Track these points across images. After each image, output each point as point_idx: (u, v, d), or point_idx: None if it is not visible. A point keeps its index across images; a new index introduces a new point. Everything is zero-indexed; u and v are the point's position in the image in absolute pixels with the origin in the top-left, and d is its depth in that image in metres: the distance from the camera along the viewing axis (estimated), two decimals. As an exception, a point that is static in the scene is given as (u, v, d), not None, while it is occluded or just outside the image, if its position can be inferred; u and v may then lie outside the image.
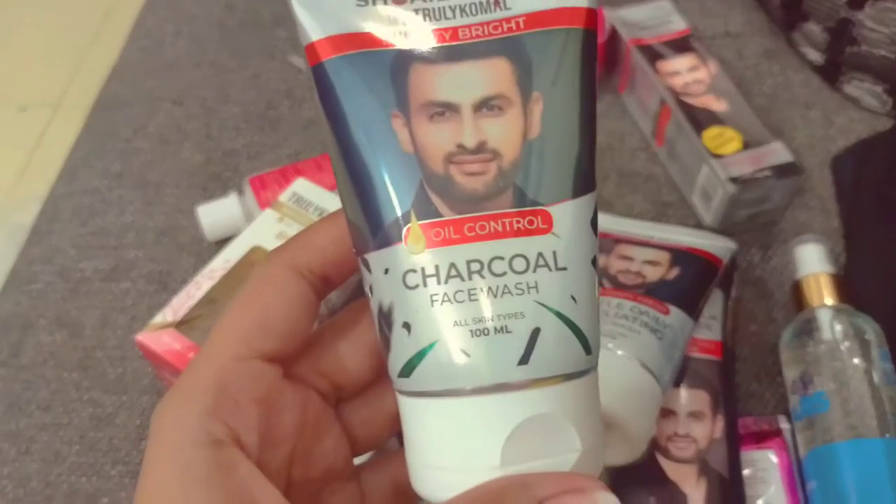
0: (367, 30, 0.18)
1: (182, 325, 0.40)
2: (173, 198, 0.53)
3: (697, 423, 0.36)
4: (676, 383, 0.38)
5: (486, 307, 0.17)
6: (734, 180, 0.45)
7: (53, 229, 0.52)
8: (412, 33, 0.18)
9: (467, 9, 0.19)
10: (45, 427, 0.43)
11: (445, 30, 0.18)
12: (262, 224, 0.43)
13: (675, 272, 0.39)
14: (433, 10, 0.19)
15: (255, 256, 0.42)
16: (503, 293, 0.17)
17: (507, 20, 0.19)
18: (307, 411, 0.20)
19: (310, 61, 0.19)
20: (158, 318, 0.40)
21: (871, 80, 0.54)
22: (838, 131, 0.54)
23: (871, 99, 0.54)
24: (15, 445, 0.43)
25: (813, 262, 0.42)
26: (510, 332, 0.17)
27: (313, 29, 0.19)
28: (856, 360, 0.38)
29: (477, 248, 0.18)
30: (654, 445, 0.36)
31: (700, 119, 0.48)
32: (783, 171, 0.46)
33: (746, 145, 0.47)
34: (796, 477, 0.37)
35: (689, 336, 0.37)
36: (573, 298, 0.18)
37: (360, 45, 0.18)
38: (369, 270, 0.19)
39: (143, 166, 0.55)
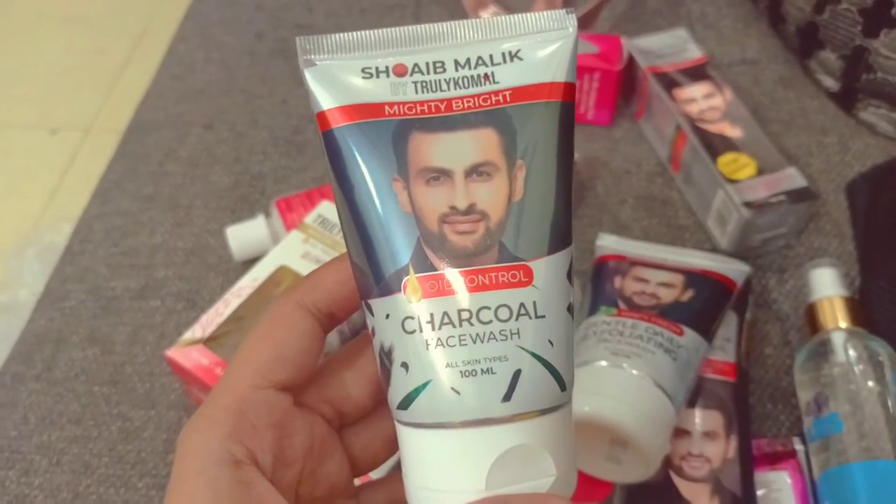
0: (371, 100, 0.21)
1: (210, 341, 0.41)
2: (202, 219, 0.55)
3: (711, 443, 0.37)
4: (691, 404, 0.38)
5: (474, 351, 0.20)
6: (748, 205, 0.46)
7: (86, 249, 0.54)
8: (411, 103, 0.21)
9: (460, 82, 0.21)
10: (76, 439, 0.45)
11: (441, 101, 0.21)
12: (289, 245, 0.45)
13: (689, 294, 0.40)
14: (430, 82, 0.21)
15: (280, 276, 0.44)
16: (489, 339, 0.20)
17: (496, 93, 0.21)
18: (314, 435, 0.23)
19: (320, 127, 0.21)
20: (188, 335, 0.42)
21: (887, 107, 0.54)
22: (854, 157, 0.54)
23: (886, 125, 0.55)
24: (46, 457, 0.44)
25: (827, 286, 0.42)
26: (495, 373, 0.20)
27: (324, 98, 0.21)
28: (870, 383, 0.38)
29: (465, 299, 0.20)
30: (669, 464, 0.36)
31: (715, 145, 0.49)
32: (797, 196, 0.47)
33: (761, 171, 0.48)
34: (810, 498, 0.38)
35: (702, 357, 0.38)
36: (550, 342, 0.20)
37: (365, 114, 0.21)
38: (372, 314, 0.21)
39: (173, 189, 0.57)
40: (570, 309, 0.21)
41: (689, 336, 0.37)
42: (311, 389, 0.23)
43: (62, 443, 0.45)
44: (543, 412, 0.20)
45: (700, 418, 0.38)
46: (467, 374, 0.20)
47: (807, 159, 0.54)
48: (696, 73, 0.54)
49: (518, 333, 0.20)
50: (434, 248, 0.20)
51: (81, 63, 1.50)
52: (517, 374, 0.20)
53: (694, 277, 0.41)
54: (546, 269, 0.20)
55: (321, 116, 0.21)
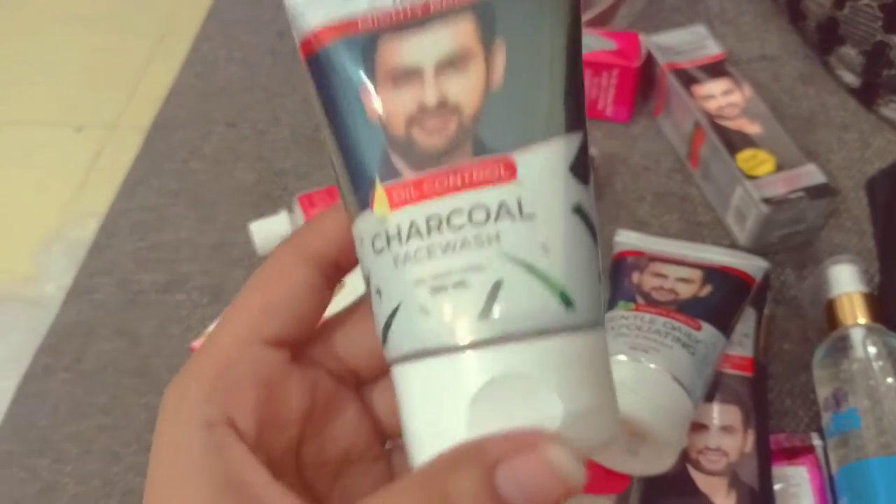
0: (347, 17, 0.19)
1: (235, 334, 0.42)
2: (226, 215, 0.56)
3: (729, 437, 0.37)
4: (709, 398, 0.39)
5: (445, 262, 0.17)
6: (767, 201, 0.46)
7: (113, 244, 0.55)
8: (389, 12, 0.19)
9: None
10: (105, 428, 0.46)
11: (419, 5, 0.18)
12: (311, 240, 0.45)
13: (707, 290, 0.40)
14: None
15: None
16: (462, 247, 0.17)
17: None
18: (317, 394, 0.20)
19: (302, 55, 0.20)
20: (212, 327, 0.43)
21: (908, 103, 0.54)
22: (875, 153, 0.54)
23: (907, 122, 0.55)
24: (77, 446, 0.46)
25: (846, 282, 0.42)
26: (468, 286, 0.17)
27: (305, 24, 0.19)
28: (889, 380, 0.39)
29: (437, 203, 0.17)
30: (686, 458, 0.37)
31: (734, 141, 0.49)
32: (817, 192, 0.47)
33: (780, 167, 0.48)
34: (828, 493, 0.38)
35: (720, 352, 0.38)
36: (544, 247, 0.17)
37: (340, 32, 0.19)
38: (358, 243, 0.19)
39: (197, 185, 0.58)
40: (578, 209, 0.17)
41: (707, 331, 0.38)
42: (316, 344, 0.21)
43: (91, 432, 0.46)
44: (539, 333, 0.17)
45: (718, 413, 0.38)
46: (436, 290, 0.17)
47: (827, 156, 0.54)
48: (715, 69, 0.54)
49: (498, 237, 0.17)
50: (402, 153, 0.18)
51: (105, 61, 1.52)
52: (497, 285, 0.17)
53: (712, 273, 0.41)
54: (534, 160, 0.17)
55: (302, 45, 0.20)
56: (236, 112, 0.63)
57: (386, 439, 0.22)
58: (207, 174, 0.59)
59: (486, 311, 0.17)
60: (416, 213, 0.17)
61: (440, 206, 0.17)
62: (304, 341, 0.21)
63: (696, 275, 0.41)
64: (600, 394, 0.17)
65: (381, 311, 0.18)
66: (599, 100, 0.57)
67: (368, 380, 0.22)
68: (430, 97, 0.18)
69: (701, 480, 0.36)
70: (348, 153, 0.18)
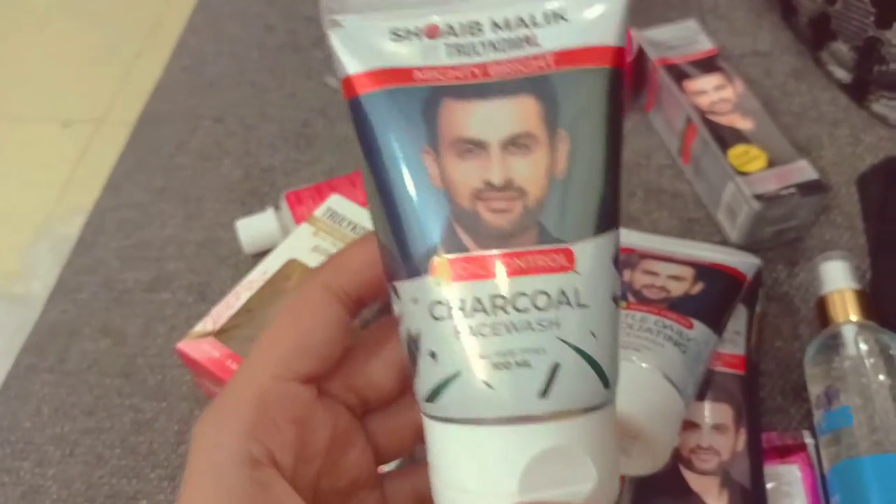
0: (401, 64, 0.19)
1: (221, 333, 0.42)
2: (213, 212, 0.55)
3: (720, 436, 0.37)
4: (700, 397, 0.38)
5: (509, 341, 0.18)
6: (759, 197, 0.46)
7: (98, 241, 0.55)
8: (443, 68, 0.19)
9: (498, 45, 0.19)
10: (89, 431, 0.45)
11: (477, 66, 0.19)
12: (298, 238, 0.45)
13: (698, 287, 0.40)
14: (464, 45, 0.19)
15: (290, 269, 0.44)
16: (525, 328, 0.18)
17: (537, 58, 0.19)
18: (337, 427, 0.21)
19: (346, 93, 0.20)
20: (199, 327, 0.42)
21: (900, 99, 0.54)
22: (866, 149, 0.54)
23: (899, 117, 0.55)
24: (60, 448, 0.45)
25: (838, 279, 0.42)
26: (531, 366, 0.18)
27: (350, 63, 0.19)
28: (881, 377, 0.38)
29: (502, 283, 0.18)
30: (678, 457, 0.36)
31: (725, 137, 0.49)
32: (808, 188, 0.46)
33: (772, 163, 0.47)
34: (820, 491, 0.38)
35: (712, 350, 0.38)
36: (593, 334, 0.19)
37: (394, 80, 0.19)
38: (399, 297, 0.20)
39: (184, 181, 0.57)
40: (615, 298, 0.19)
41: (699, 329, 0.37)
42: (334, 377, 0.22)
43: (75, 434, 0.45)
44: (584, 411, 0.19)
45: (709, 411, 0.38)
46: (501, 366, 0.18)
47: (818, 151, 0.54)
48: (707, 64, 0.54)
49: (557, 323, 0.18)
50: (466, 226, 0.18)
51: (93, 56, 1.51)
52: (555, 367, 0.18)
53: (704, 270, 0.41)
54: (590, 252, 0.19)
55: (347, 82, 0.19)
56: (224, 107, 0.62)
57: (379, 465, 0.23)
58: (194, 170, 0.58)
59: (544, 391, 0.18)
60: (482, 289, 0.18)
61: (506, 286, 0.18)
62: (327, 375, 0.21)
63: (688, 272, 0.40)
64: (615, 459, 0.20)
65: (434, 372, 0.19)
66: (590, 95, 0.56)
67: (374, 409, 0.23)
68: (497, 175, 0.19)
69: (693, 480, 0.36)
70: (403, 214, 0.19)
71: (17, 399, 0.47)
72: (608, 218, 0.19)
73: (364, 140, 0.19)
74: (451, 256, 0.18)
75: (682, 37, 0.56)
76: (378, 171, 0.19)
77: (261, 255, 0.47)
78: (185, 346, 0.41)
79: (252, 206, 0.55)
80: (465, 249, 0.19)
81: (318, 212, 0.46)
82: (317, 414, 0.21)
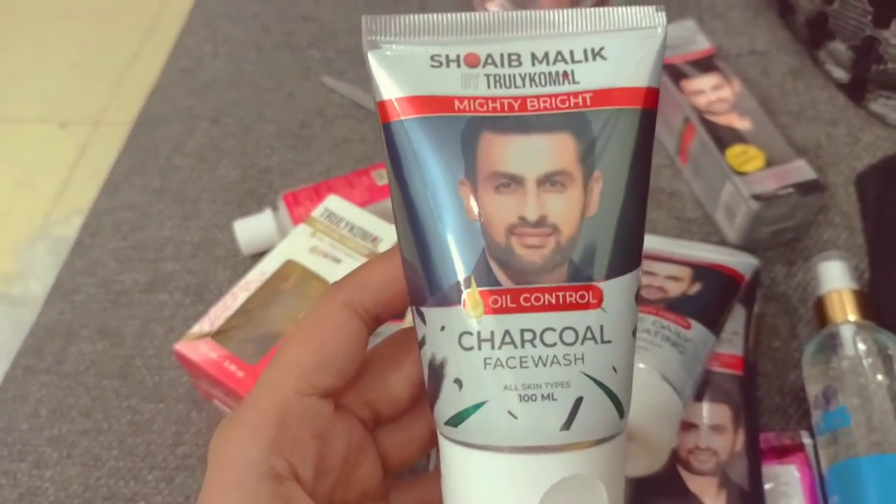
0: (439, 92, 0.19)
1: (218, 335, 0.41)
2: (210, 213, 0.55)
3: (718, 437, 0.37)
4: (698, 397, 0.38)
5: (536, 375, 0.19)
6: (757, 197, 0.46)
7: (95, 243, 0.55)
8: (483, 99, 0.19)
9: (537, 79, 0.19)
10: (86, 432, 0.45)
11: (515, 99, 0.19)
12: (296, 239, 0.45)
13: (696, 287, 0.40)
14: (504, 76, 0.19)
15: (288, 270, 0.44)
16: (552, 362, 0.19)
17: (575, 95, 0.19)
18: (352, 440, 0.22)
19: (381, 118, 0.20)
20: (196, 329, 0.42)
21: (898, 98, 0.54)
22: (864, 149, 0.54)
23: (897, 116, 0.55)
24: (57, 450, 0.45)
25: (836, 279, 0.42)
26: (556, 399, 0.19)
27: (387, 87, 0.19)
28: (879, 377, 0.38)
29: (531, 318, 0.19)
30: (676, 458, 0.36)
31: (723, 137, 0.49)
32: (806, 188, 0.46)
33: (770, 163, 0.47)
34: (818, 492, 0.38)
35: (710, 350, 0.38)
36: (614, 369, 0.19)
37: (433, 108, 0.19)
38: (424, 322, 0.20)
39: (181, 183, 0.57)
40: (634, 333, 0.20)
41: (697, 329, 0.37)
42: (350, 391, 0.22)
43: (72, 435, 0.45)
44: (601, 441, 0.19)
45: (707, 412, 0.38)
46: (526, 398, 0.19)
47: (816, 151, 0.54)
48: (705, 64, 0.54)
49: (583, 359, 0.19)
50: (500, 260, 0.19)
51: (90, 57, 1.51)
52: (579, 401, 0.19)
53: (701, 271, 0.41)
54: (617, 291, 0.19)
55: (383, 106, 0.19)
56: (221, 108, 0.62)
57: (387, 476, 0.24)
58: (191, 171, 0.58)
59: (567, 423, 0.19)
60: (511, 323, 0.19)
61: (535, 321, 0.19)
62: (344, 390, 0.22)
63: (686, 273, 0.40)
64: (623, 483, 0.21)
65: (458, 399, 0.19)
66: (588, 95, 0.56)
67: (385, 422, 0.23)
68: (532, 212, 0.19)
69: (691, 481, 0.36)
70: (436, 243, 0.19)
71: (15, 401, 0.47)
72: (634, 257, 0.20)
73: (398, 166, 0.20)
74: (483, 289, 0.19)
75: (679, 36, 0.56)
76: (411, 199, 0.19)
77: (258, 256, 0.47)
78: (182, 347, 0.41)
79: (249, 207, 0.55)
80: (497, 283, 0.19)
81: (316, 212, 0.46)
82: (335, 428, 0.21)
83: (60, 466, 0.44)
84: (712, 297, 0.40)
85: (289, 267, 0.44)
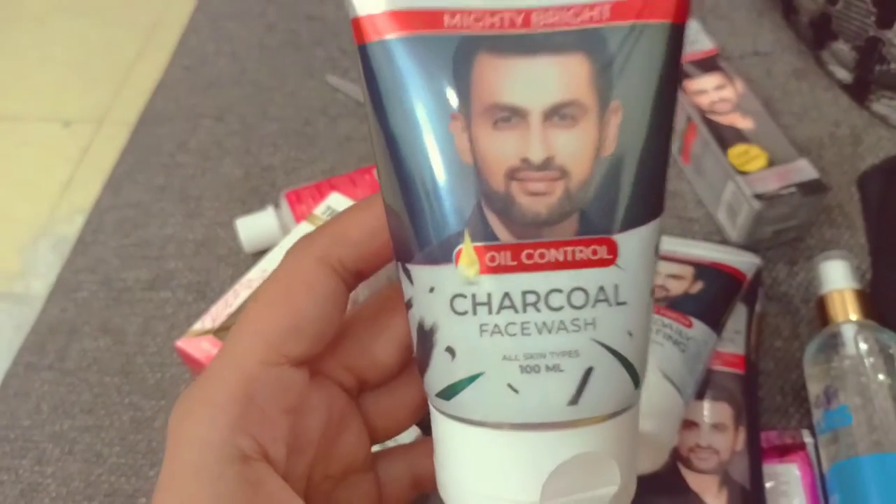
0: (426, 6, 0.16)
1: (220, 331, 0.42)
2: (213, 211, 0.55)
3: (719, 435, 0.37)
4: (700, 396, 0.38)
5: (540, 343, 0.16)
6: (759, 197, 0.46)
7: (98, 240, 0.55)
8: (479, 13, 0.16)
9: None
10: (88, 429, 0.45)
11: (518, 12, 0.16)
12: (298, 236, 0.45)
13: (698, 286, 0.40)
14: None
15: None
16: (559, 329, 0.16)
17: (591, 7, 0.16)
18: (331, 410, 0.19)
19: (356, 38, 0.17)
20: (198, 326, 0.42)
21: (901, 99, 0.54)
22: (867, 149, 0.54)
23: (900, 117, 0.55)
24: (59, 446, 0.45)
25: (838, 278, 0.42)
26: (563, 370, 0.16)
27: (364, 0, 0.16)
28: (881, 376, 0.38)
29: (534, 277, 0.16)
30: (677, 456, 0.36)
31: (726, 137, 0.49)
32: (809, 188, 0.46)
33: (772, 163, 0.47)
34: (819, 491, 0.38)
35: (711, 349, 0.38)
36: (630, 334, 0.17)
37: (418, 24, 0.16)
38: (411, 282, 0.18)
39: (184, 180, 0.57)
40: (652, 293, 0.17)
41: (698, 328, 0.37)
42: (328, 356, 0.19)
43: (74, 432, 0.45)
44: (612, 415, 0.17)
45: (709, 410, 0.38)
46: (528, 369, 0.16)
47: (819, 151, 0.54)
48: (707, 64, 0.54)
49: (594, 324, 0.16)
50: (498, 210, 0.16)
51: (94, 55, 1.51)
52: (588, 372, 0.16)
53: (703, 269, 0.41)
54: (635, 244, 0.17)
55: (358, 23, 0.17)
56: (224, 106, 0.62)
57: (373, 444, 0.21)
58: (194, 169, 0.58)
59: (576, 397, 0.17)
60: (512, 283, 0.16)
61: (539, 281, 0.16)
62: (321, 355, 0.19)
63: (688, 271, 0.40)
64: (636, 458, 0.18)
65: (451, 370, 0.17)
66: (590, 95, 0.56)
67: (370, 388, 0.21)
68: (537, 152, 0.16)
69: (692, 479, 0.36)
70: (424, 190, 0.16)
71: (17, 397, 0.47)
72: (657, 204, 0.17)
73: (377, 97, 0.17)
74: (478, 244, 0.16)
75: (682, 36, 0.56)
76: (394, 137, 0.17)
77: (261, 253, 0.47)
78: (184, 343, 0.41)
79: (252, 204, 0.55)
80: (495, 237, 0.16)
81: (318, 210, 0.46)
82: (310, 400, 0.19)
83: (62, 463, 0.44)
84: (714, 296, 0.40)
85: (291, 264, 0.44)
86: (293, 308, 0.18)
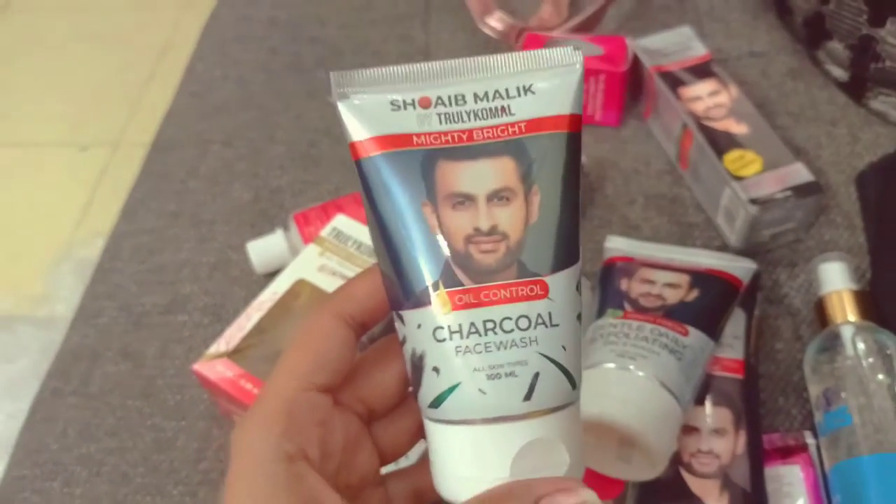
0: (400, 131, 0.23)
1: (234, 354, 0.43)
2: (224, 234, 0.57)
3: (720, 440, 0.38)
4: (700, 401, 0.39)
5: (499, 357, 0.22)
6: (755, 201, 0.46)
7: (115, 267, 0.56)
8: (436, 133, 0.23)
9: (480, 113, 0.23)
10: (113, 451, 0.47)
11: (463, 132, 0.23)
12: (306, 258, 0.46)
13: (694, 294, 0.40)
14: (452, 114, 0.23)
15: (299, 288, 0.45)
16: (511, 345, 0.22)
17: (512, 125, 0.23)
18: (349, 431, 0.25)
19: (353, 155, 0.23)
20: (213, 349, 0.44)
21: (897, 95, 0.54)
22: (864, 147, 0.54)
23: (896, 114, 0.55)
24: (87, 468, 0.47)
25: (836, 280, 0.43)
26: (517, 375, 0.22)
27: (356, 130, 0.23)
28: (880, 377, 0.39)
29: (491, 310, 0.23)
30: (678, 461, 0.37)
31: (721, 143, 0.50)
32: (804, 190, 0.47)
33: (767, 167, 0.48)
34: (822, 491, 0.38)
35: (709, 356, 0.39)
36: (563, 347, 0.23)
37: (394, 144, 0.23)
38: (403, 323, 0.23)
39: (196, 206, 0.59)
40: (578, 317, 0.23)
41: (695, 336, 0.38)
42: (345, 390, 0.25)
43: (100, 454, 0.47)
44: (557, 409, 0.23)
45: (709, 415, 0.39)
46: (492, 377, 0.22)
47: (816, 151, 0.54)
48: (701, 70, 0.54)
49: (536, 340, 0.22)
50: (461, 265, 0.23)
51: (108, 80, 1.54)
52: (536, 376, 0.22)
53: (699, 277, 0.41)
54: (559, 283, 0.23)
55: (354, 146, 0.23)
56: (232, 131, 0.64)
57: (383, 465, 0.27)
58: (205, 194, 0.60)
59: (528, 395, 0.22)
60: (475, 316, 0.22)
61: (494, 312, 0.22)
62: (340, 387, 0.25)
63: (684, 279, 0.41)
64: (581, 445, 0.24)
65: (437, 384, 0.23)
66: (588, 105, 0.57)
67: (378, 417, 0.26)
68: (484, 223, 0.23)
69: (694, 483, 0.37)
70: (407, 256, 0.23)
71: (46, 422, 0.49)
72: (573, 253, 0.23)
73: (370, 196, 0.23)
74: (449, 290, 0.23)
75: (676, 43, 0.57)
76: (384, 222, 0.23)
77: (272, 274, 0.49)
78: (200, 367, 0.43)
79: (262, 227, 0.56)
80: (461, 284, 0.23)
81: (325, 232, 0.47)
82: (334, 418, 0.25)
83: (90, 484, 0.46)
84: (710, 303, 0.40)
85: (299, 286, 0.45)
86: (317, 350, 0.24)
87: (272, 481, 0.22)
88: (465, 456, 0.23)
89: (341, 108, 0.23)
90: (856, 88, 0.57)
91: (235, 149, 0.62)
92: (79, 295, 0.55)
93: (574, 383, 0.23)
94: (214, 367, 0.43)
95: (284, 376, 0.24)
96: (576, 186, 0.24)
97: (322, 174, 0.59)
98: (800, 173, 0.48)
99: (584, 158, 0.54)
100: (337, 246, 0.46)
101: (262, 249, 0.52)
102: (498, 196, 0.23)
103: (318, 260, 0.46)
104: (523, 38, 0.60)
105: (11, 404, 1.08)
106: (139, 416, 0.48)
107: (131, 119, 1.47)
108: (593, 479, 0.37)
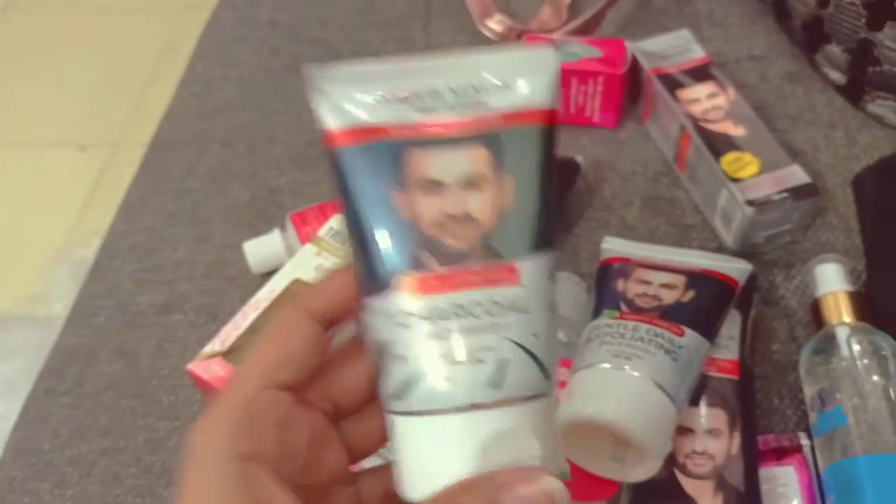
0: (375, 122, 0.23)
1: (229, 354, 0.43)
2: (222, 234, 0.56)
3: (714, 441, 0.38)
4: (695, 402, 0.39)
5: (465, 343, 0.22)
6: (751, 203, 0.46)
7: (112, 266, 0.56)
8: (412, 125, 0.23)
9: (455, 107, 0.23)
10: (105, 452, 0.47)
11: (439, 124, 0.23)
12: (302, 258, 0.46)
13: (690, 295, 0.40)
14: (428, 106, 0.23)
15: (295, 288, 0.45)
16: (479, 331, 0.22)
17: (488, 118, 0.23)
18: (315, 429, 0.25)
19: (325, 143, 0.23)
20: (207, 349, 0.43)
21: (895, 99, 0.54)
22: (862, 150, 0.54)
23: (894, 117, 0.55)
24: (78, 469, 0.46)
25: (831, 281, 0.43)
26: (484, 362, 0.22)
27: (332, 120, 0.23)
28: (875, 377, 0.39)
29: (459, 296, 0.22)
30: (673, 462, 0.37)
31: (718, 144, 0.50)
32: (801, 192, 0.47)
33: (764, 169, 0.48)
34: (816, 493, 0.38)
35: (704, 356, 0.39)
36: (535, 335, 0.22)
37: (368, 136, 0.23)
38: (370, 311, 0.23)
39: (194, 205, 0.59)
40: (552, 306, 0.23)
41: (690, 336, 0.38)
42: (313, 387, 0.25)
43: (92, 455, 0.47)
44: (528, 399, 0.22)
45: (704, 416, 0.39)
46: (460, 363, 0.22)
47: (814, 154, 0.54)
48: (699, 73, 0.54)
49: (505, 326, 0.22)
50: (430, 249, 0.22)
51: (107, 80, 1.54)
52: (504, 363, 0.22)
53: (695, 278, 0.41)
54: (531, 269, 0.22)
55: (328, 135, 0.23)
56: (232, 130, 0.64)
57: (352, 464, 0.26)
58: (204, 193, 0.59)
59: (496, 383, 0.22)
60: (443, 301, 0.22)
61: (463, 297, 0.22)
62: (307, 384, 0.25)
63: (680, 280, 0.41)
64: (555, 438, 0.23)
65: (402, 373, 0.22)
66: (587, 107, 0.57)
67: (347, 415, 0.26)
68: (455, 208, 0.22)
69: (688, 484, 0.37)
70: (375, 241, 0.22)
71: (37, 422, 0.49)
72: (544, 241, 0.23)
73: (342, 185, 0.23)
74: (417, 274, 0.22)
75: (674, 46, 0.57)
76: (354, 209, 0.23)
77: (269, 274, 0.49)
78: (194, 367, 0.43)
79: (260, 227, 0.56)
80: (430, 269, 0.22)
81: (322, 231, 0.47)
82: (296, 417, 0.24)
83: (81, 486, 0.46)
84: (706, 304, 0.40)
85: (296, 286, 0.45)
86: (283, 345, 0.24)
87: (223, 481, 0.22)
88: (429, 449, 0.22)
89: (318, 100, 0.23)
90: (854, 92, 0.57)
91: (234, 149, 0.62)
92: (75, 295, 0.55)
93: (547, 373, 0.22)
94: (209, 367, 0.43)
95: (245, 374, 0.24)
96: (551, 178, 0.23)
97: (321, 175, 0.59)
98: (797, 175, 0.48)
99: (580, 158, 0.54)
100: (333, 246, 0.46)
101: (259, 249, 0.52)
102: (470, 182, 0.23)
103: (315, 260, 0.46)
104: (523, 40, 0.60)
105: (6, 405, 1.08)
106: (132, 416, 0.48)
107: (131, 119, 1.47)
108: (587, 480, 0.37)
